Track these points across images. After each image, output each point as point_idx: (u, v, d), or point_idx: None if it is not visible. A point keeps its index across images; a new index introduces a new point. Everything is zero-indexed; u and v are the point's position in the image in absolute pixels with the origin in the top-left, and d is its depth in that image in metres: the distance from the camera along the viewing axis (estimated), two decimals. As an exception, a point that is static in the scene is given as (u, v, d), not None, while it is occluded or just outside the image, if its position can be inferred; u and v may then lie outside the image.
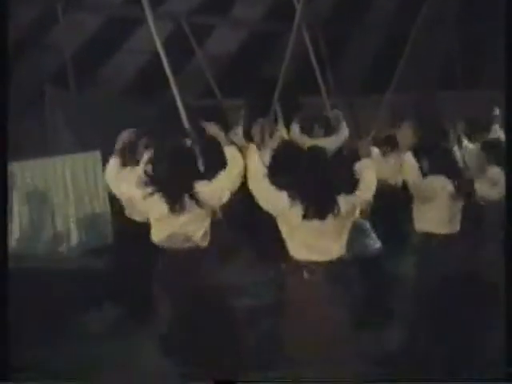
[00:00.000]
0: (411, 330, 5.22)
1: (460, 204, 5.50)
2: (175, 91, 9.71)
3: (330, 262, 4.46)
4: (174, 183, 4.94)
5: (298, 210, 4.41)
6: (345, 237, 4.56)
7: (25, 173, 9.08)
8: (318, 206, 4.41)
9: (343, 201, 4.48)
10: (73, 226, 9.46)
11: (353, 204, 4.56)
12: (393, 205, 7.97)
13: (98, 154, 9.70)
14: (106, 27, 14.96)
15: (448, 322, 4.97)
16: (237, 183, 4.93)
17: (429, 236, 5.44)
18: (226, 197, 4.98)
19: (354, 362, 4.86)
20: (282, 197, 4.46)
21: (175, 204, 4.91)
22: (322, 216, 4.41)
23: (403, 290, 6.00)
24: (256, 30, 15.87)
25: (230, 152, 4.94)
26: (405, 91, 12.65)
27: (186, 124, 9.39)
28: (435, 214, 5.38)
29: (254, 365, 4.93)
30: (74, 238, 9.47)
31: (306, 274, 4.42)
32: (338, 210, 4.43)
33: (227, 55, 15.50)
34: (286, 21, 12.15)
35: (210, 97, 13.91)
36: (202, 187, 4.92)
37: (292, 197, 4.43)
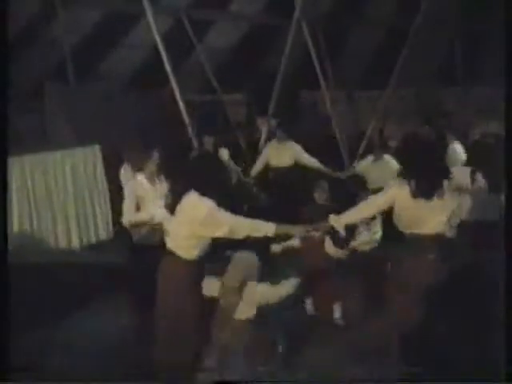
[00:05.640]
0: (411, 330, 5.21)
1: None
2: (175, 86, 9.71)
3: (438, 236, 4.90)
4: None
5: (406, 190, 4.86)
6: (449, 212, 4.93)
7: (25, 167, 9.05)
8: (427, 186, 4.84)
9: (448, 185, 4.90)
10: (72, 221, 9.46)
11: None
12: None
13: (97, 149, 9.74)
14: (105, 22, 14.94)
15: (448, 322, 4.97)
16: None
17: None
18: None
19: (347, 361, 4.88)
20: None
21: None
22: (428, 196, 4.83)
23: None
24: (255, 24, 15.85)
25: None
26: (405, 87, 12.66)
27: (186, 119, 9.40)
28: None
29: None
30: (74, 233, 9.47)
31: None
32: (443, 193, 4.85)
33: (227, 50, 15.48)
34: (286, 15, 12.14)
35: (209, 92, 13.89)
36: None
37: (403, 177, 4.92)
